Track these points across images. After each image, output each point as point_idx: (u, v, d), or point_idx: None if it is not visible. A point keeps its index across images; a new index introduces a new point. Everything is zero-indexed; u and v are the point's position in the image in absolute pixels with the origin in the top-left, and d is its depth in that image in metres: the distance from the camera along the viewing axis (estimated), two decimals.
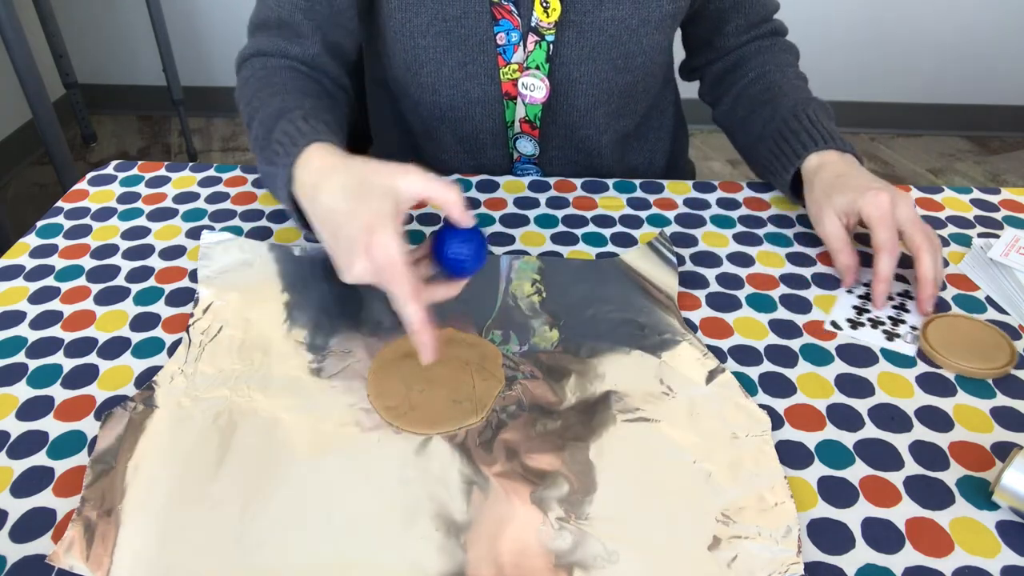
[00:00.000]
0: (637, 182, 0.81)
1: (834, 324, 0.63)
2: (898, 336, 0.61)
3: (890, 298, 0.65)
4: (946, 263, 0.70)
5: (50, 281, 0.67)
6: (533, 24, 0.75)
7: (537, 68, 0.77)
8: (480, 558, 0.45)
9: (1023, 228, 0.74)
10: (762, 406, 0.55)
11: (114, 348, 0.60)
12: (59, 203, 0.77)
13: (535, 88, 0.78)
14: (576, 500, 0.48)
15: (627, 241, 0.72)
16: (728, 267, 0.69)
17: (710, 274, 0.68)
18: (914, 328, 0.62)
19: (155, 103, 2.65)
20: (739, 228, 0.75)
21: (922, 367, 0.59)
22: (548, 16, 0.74)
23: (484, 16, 0.75)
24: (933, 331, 0.61)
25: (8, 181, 2.31)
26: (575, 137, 0.85)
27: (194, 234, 0.72)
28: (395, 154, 0.91)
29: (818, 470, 0.51)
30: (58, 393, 0.56)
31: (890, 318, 0.63)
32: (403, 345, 0.58)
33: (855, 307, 0.64)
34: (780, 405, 0.56)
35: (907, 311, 0.64)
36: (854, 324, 0.63)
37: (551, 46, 0.76)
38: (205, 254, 0.68)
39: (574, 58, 0.78)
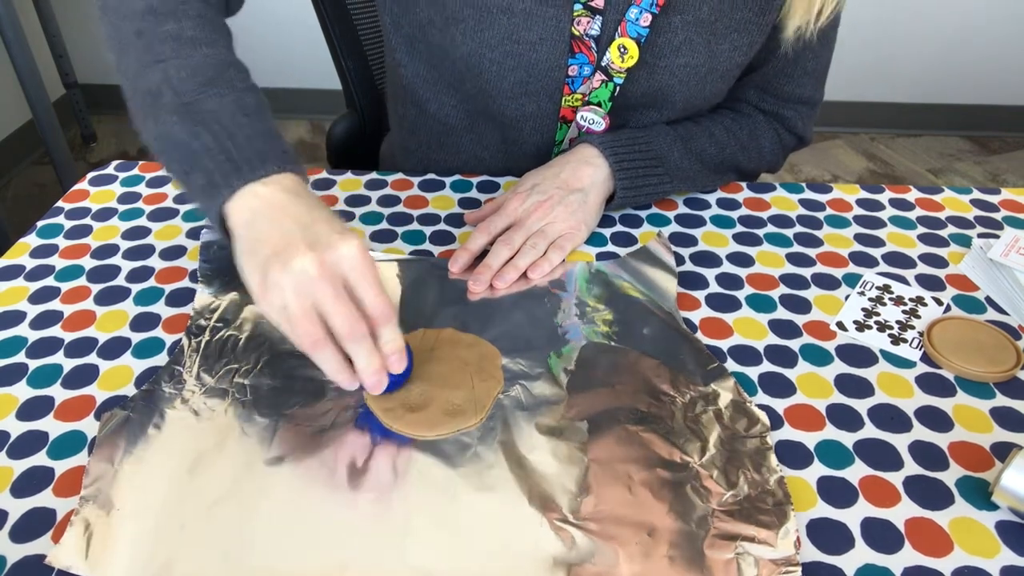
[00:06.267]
0: None
1: (840, 325, 0.63)
2: (904, 341, 0.61)
3: (901, 303, 0.65)
4: (946, 263, 0.70)
5: (50, 281, 0.67)
6: (604, 64, 0.74)
7: (599, 105, 0.77)
8: (479, 559, 0.45)
9: (1023, 228, 0.74)
10: (762, 406, 0.55)
11: (114, 348, 0.60)
12: (59, 203, 0.77)
13: (594, 123, 0.77)
14: (575, 500, 0.48)
15: (627, 241, 0.72)
16: (728, 267, 0.69)
17: (710, 274, 0.68)
18: (922, 335, 0.62)
19: None
20: (739, 228, 0.75)
21: (922, 367, 0.59)
22: (623, 62, 0.73)
23: (560, 46, 0.73)
24: (937, 334, 0.61)
25: (8, 181, 2.31)
26: None
27: (194, 234, 0.72)
28: (424, 144, 0.89)
29: (818, 470, 0.51)
30: (58, 393, 0.56)
31: (898, 323, 0.63)
32: None
33: (864, 309, 0.64)
34: (780, 405, 0.56)
35: (918, 317, 0.63)
36: (860, 327, 0.62)
37: (617, 87, 0.75)
38: (205, 254, 0.68)
39: (640, 98, 0.77)
